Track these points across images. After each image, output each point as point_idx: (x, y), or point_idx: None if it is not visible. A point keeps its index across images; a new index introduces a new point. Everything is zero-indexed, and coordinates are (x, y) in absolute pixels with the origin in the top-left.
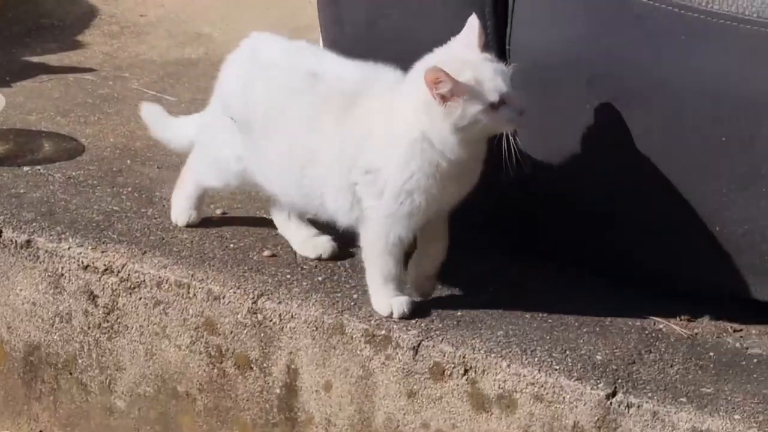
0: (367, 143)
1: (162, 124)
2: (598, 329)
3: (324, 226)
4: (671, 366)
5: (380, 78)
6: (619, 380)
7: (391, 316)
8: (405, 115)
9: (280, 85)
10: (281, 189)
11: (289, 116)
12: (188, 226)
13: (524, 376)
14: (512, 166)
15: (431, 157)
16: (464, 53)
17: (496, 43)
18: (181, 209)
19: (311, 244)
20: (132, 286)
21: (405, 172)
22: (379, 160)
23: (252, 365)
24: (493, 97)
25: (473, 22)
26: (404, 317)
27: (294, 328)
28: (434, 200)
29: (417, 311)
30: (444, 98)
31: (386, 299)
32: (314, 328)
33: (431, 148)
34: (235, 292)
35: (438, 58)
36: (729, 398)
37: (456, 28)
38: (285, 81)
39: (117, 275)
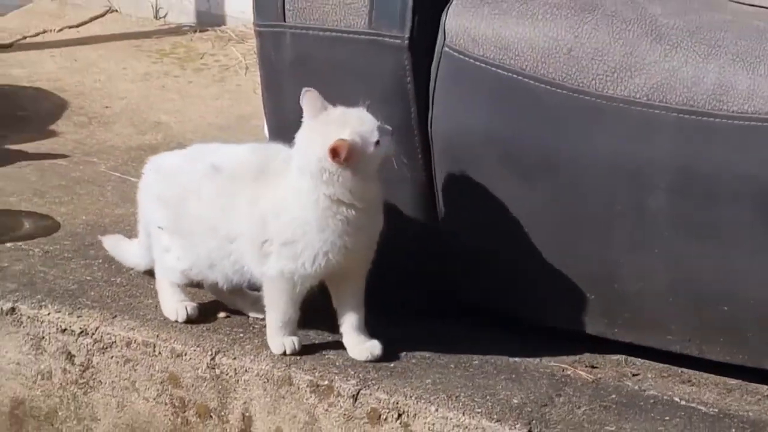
0: (280, 218)
1: (124, 254)
2: (513, 376)
3: None
4: (578, 407)
5: (277, 156)
6: (534, 421)
7: (284, 354)
8: (306, 191)
9: (190, 185)
10: (219, 273)
11: (204, 208)
12: (188, 320)
13: (450, 418)
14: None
15: (341, 216)
16: (327, 117)
17: (419, 125)
18: (174, 307)
19: (259, 307)
20: (104, 346)
21: (320, 238)
22: (294, 233)
23: (211, 414)
24: (375, 137)
25: (308, 92)
26: (295, 354)
27: (248, 380)
28: (349, 253)
29: (355, 364)
30: (346, 161)
31: (279, 339)
32: (265, 380)
33: (338, 207)
34: (195, 350)
35: (311, 136)
36: None
37: (378, 114)
38: (192, 179)
39: (91, 337)
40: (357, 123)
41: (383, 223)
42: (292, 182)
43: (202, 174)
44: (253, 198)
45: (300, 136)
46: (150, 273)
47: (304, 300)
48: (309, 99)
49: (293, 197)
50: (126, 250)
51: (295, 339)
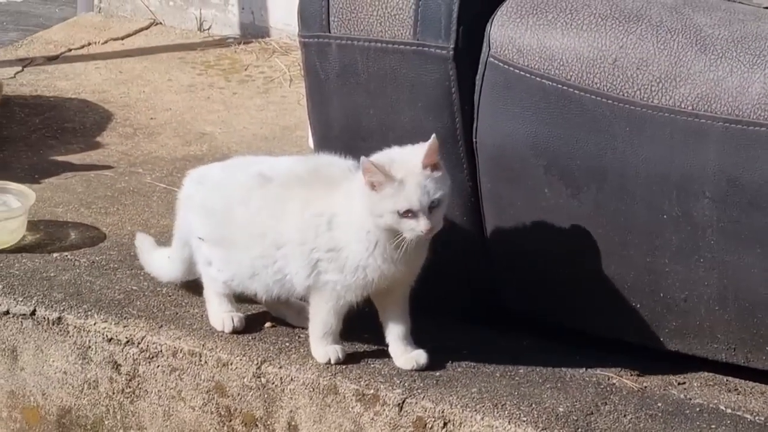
0: (332, 224)
1: (148, 259)
2: (559, 385)
3: None
4: (625, 416)
5: (333, 165)
6: (579, 429)
7: (329, 362)
8: (357, 201)
9: (236, 194)
10: (260, 284)
11: (253, 216)
12: (234, 331)
13: (496, 427)
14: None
15: (378, 239)
16: (410, 159)
17: (464, 135)
18: (221, 317)
19: (305, 316)
20: (151, 355)
21: (361, 250)
22: (341, 240)
23: (257, 423)
24: (401, 206)
25: (431, 142)
26: (339, 363)
27: (293, 389)
28: (385, 276)
29: (400, 373)
30: (372, 185)
31: (323, 347)
32: (311, 389)
33: (373, 229)
34: (241, 359)
35: (386, 153)
36: None
37: (423, 124)
38: (240, 188)
39: (137, 346)
40: (407, 178)
41: (423, 260)
42: (352, 188)
43: (250, 183)
44: (306, 202)
45: (381, 153)
46: (189, 283)
47: (350, 310)
48: (431, 147)
49: (346, 203)
50: (153, 257)
51: (338, 348)
